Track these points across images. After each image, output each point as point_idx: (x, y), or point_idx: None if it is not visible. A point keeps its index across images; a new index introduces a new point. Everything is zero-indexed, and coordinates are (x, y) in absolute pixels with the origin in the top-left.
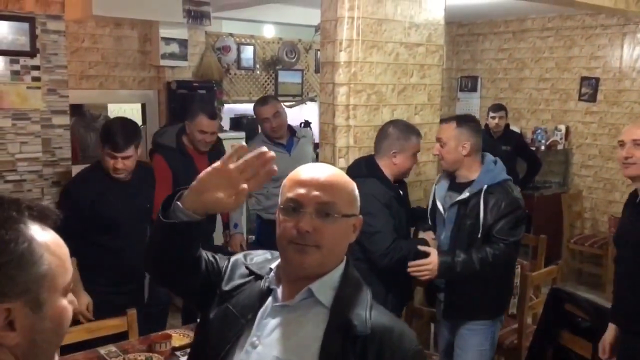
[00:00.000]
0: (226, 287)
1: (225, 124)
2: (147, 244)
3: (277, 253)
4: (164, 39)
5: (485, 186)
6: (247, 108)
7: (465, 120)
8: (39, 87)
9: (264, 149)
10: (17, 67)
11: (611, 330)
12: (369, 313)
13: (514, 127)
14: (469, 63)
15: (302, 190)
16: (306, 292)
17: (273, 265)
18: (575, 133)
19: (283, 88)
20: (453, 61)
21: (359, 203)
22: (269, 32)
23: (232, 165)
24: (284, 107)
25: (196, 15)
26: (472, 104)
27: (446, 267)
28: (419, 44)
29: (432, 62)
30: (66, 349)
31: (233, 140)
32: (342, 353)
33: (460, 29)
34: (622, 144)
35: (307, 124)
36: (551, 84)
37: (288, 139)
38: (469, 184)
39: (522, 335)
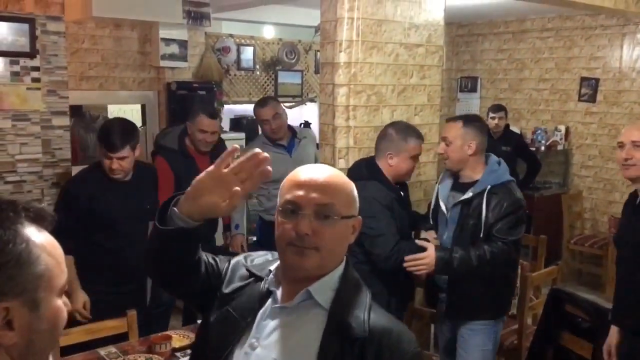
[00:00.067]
0: (226, 290)
1: (225, 124)
2: (146, 248)
3: (277, 254)
4: (163, 39)
5: (489, 186)
6: (247, 109)
7: (471, 120)
8: (38, 88)
9: (258, 150)
10: (17, 68)
11: (615, 333)
12: (367, 315)
13: (514, 128)
14: (469, 64)
15: (300, 192)
16: (305, 294)
17: (272, 267)
18: (575, 133)
19: (283, 89)
20: (453, 62)
21: (358, 204)
22: (268, 32)
23: (225, 169)
24: (284, 108)
25: (196, 16)
26: (472, 105)
27: (444, 263)
28: (419, 45)
29: (431, 62)
30: (66, 350)
31: (233, 141)
32: (341, 355)
33: (460, 30)
34: (621, 145)
35: (307, 124)
36: (551, 84)
37: (289, 140)
38: (472, 184)
39: (522, 335)
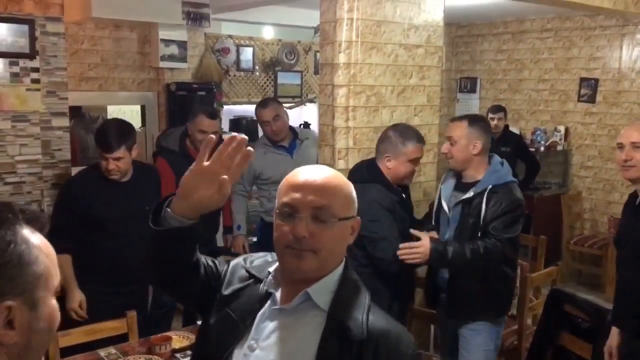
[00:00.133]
0: (226, 292)
1: (225, 125)
2: (144, 251)
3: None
4: (163, 40)
5: (490, 186)
6: (247, 109)
7: (476, 120)
8: (38, 89)
9: (234, 134)
10: (16, 69)
11: (615, 334)
12: (365, 317)
13: (514, 128)
14: (468, 64)
15: (297, 195)
16: (304, 296)
17: (271, 269)
18: (575, 134)
19: (282, 89)
20: (452, 62)
21: (356, 204)
22: (268, 33)
23: (206, 162)
24: (285, 109)
25: (195, 17)
26: (472, 105)
27: (438, 254)
28: (418, 46)
29: (431, 63)
30: (66, 351)
31: None
32: (339, 357)
33: (460, 30)
34: (620, 146)
35: (306, 125)
36: (550, 84)
37: (290, 142)
38: (474, 183)
39: (522, 336)
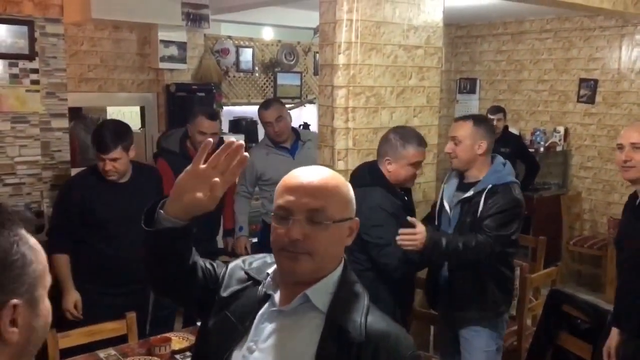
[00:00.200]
0: (224, 294)
1: (224, 126)
2: (142, 255)
3: None
4: (162, 41)
5: (490, 185)
6: (246, 110)
7: (481, 120)
8: (37, 90)
9: (233, 139)
10: (16, 70)
11: (615, 335)
12: (364, 318)
13: (513, 129)
14: (468, 65)
15: (291, 197)
16: (302, 298)
17: (270, 270)
18: (574, 134)
19: (282, 90)
20: (452, 63)
21: (354, 205)
22: (267, 34)
23: (202, 165)
24: (288, 111)
25: (195, 18)
26: (471, 106)
27: (433, 242)
28: (418, 47)
29: (430, 64)
30: (66, 353)
31: None
32: (338, 359)
33: (459, 31)
34: (620, 147)
35: (305, 126)
36: (550, 85)
37: (292, 143)
38: (476, 183)
39: (522, 337)
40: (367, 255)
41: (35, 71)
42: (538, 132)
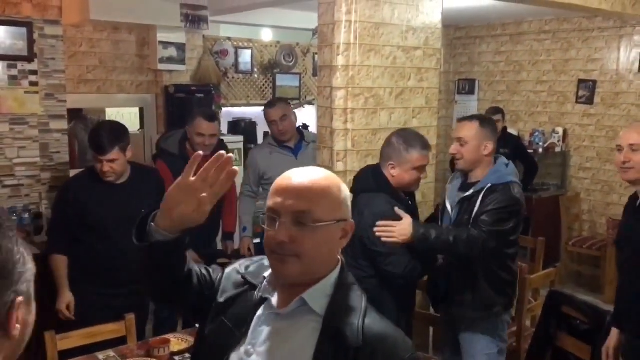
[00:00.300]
0: (221, 299)
1: (223, 127)
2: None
3: None
4: (161, 43)
5: (489, 185)
6: (245, 112)
7: (486, 120)
8: (36, 92)
9: (222, 152)
10: (14, 71)
11: (614, 335)
12: (361, 321)
13: (512, 130)
14: (467, 66)
15: (279, 199)
16: (299, 301)
17: (266, 274)
18: (573, 135)
19: (281, 91)
20: (450, 64)
21: (348, 207)
22: (266, 35)
23: (192, 178)
24: (293, 110)
25: (194, 20)
26: (470, 107)
27: (421, 234)
28: (417, 48)
29: (429, 65)
30: (65, 354)
31: (231, 144)
32: None
33: (458, 32)
34: (619, 148)
35: (304, 127)
36: (548, 86)
37: (296, 143)
38: (477, 183)
39: (521, 337)
40: (371, 262)
41: (34, 73)
42: (537, 133)
